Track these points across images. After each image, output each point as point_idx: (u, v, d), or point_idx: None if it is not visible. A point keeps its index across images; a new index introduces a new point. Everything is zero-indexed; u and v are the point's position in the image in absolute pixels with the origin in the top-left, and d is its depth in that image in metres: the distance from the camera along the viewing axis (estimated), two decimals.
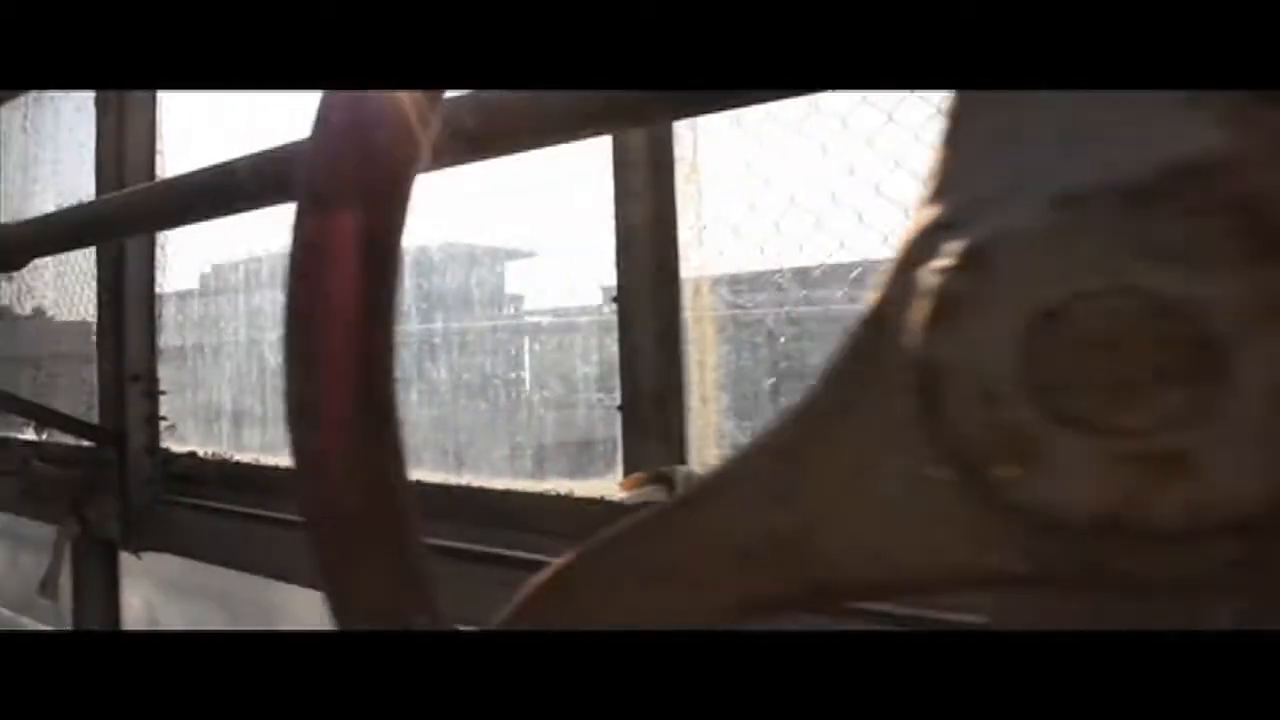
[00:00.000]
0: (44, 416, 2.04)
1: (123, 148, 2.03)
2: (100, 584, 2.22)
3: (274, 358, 1.90)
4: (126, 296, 1.99)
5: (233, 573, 2.11)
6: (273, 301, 1.90)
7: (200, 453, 2.02)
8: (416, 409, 1.64)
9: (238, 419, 1.96)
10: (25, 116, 2.41)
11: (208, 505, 1.93)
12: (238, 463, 1.94)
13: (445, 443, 1.61)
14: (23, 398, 2.09)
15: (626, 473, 1.44)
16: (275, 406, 1.88)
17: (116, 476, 2.02)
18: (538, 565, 0.35)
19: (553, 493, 1.51)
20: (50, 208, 2.34)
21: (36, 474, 2.26)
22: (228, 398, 1.97)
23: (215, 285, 2.01)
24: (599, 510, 1.45)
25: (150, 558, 2.15)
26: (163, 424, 2.00)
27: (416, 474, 1.66)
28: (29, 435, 2.38)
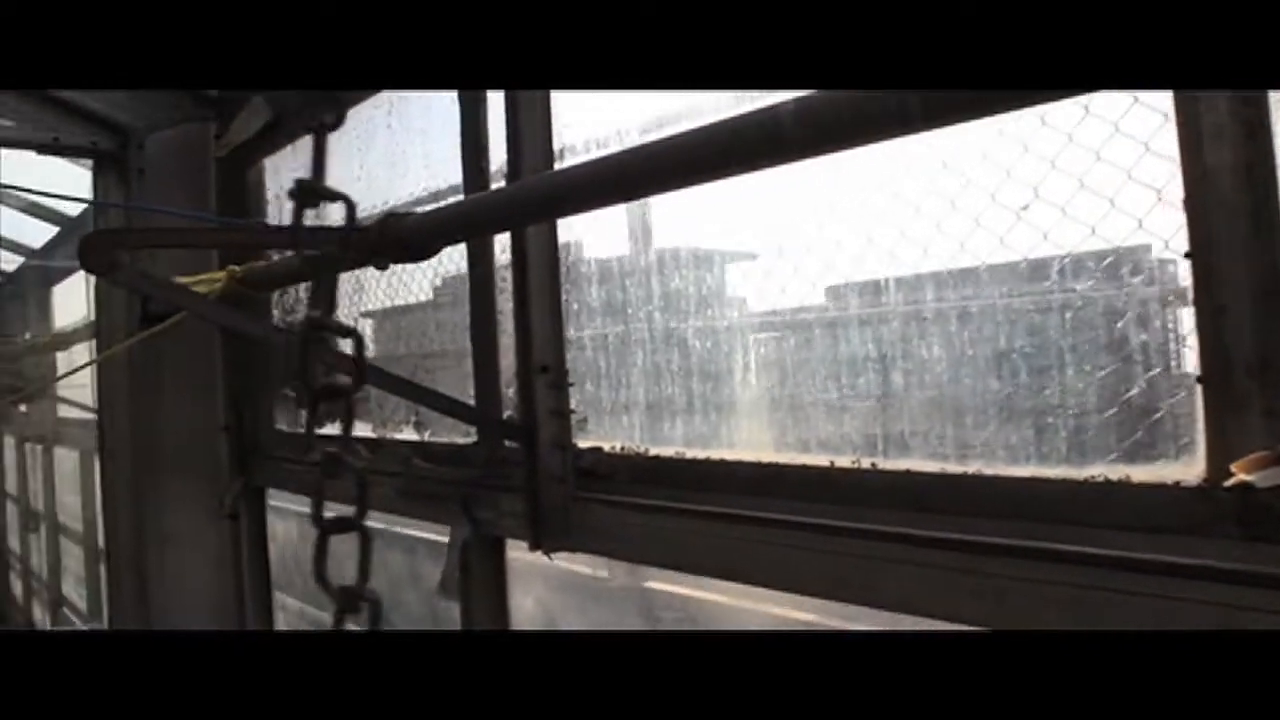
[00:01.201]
0: (458, 412, 2.00)
1: (517, 135, 1.96)
2: (489, 584, 2.18)
3: (700, 344, 1.78)
4: (530, 284, 1.92)
5: (648, 571, 2.03)
6: (695, 283, 1.78)
7: (606, 448, 1.93)
8: (903, 391, 1.49)
9: (652, 411, 1.86)
10: (389, 113, 2.39)
11: (626, 501, 1.83)
12: (655, 457, 1.84)
13: (941, 428, 1.45)
14: (440, 393, 2.06)
15: (1213, 454, 1.24)
16: (705, 396, 1.76)
17: (523, 474, 1.95)
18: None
19: (1100, 479, 1.33)
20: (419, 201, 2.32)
21: (419, 473, 2.24)
22: (640, 389, 1.87)
23: (619, 270, 1.92)
24: (1171, 498, 1.26)
25: (534, 556, 2.09)
26: (573, 417, 1.92)
27: (905, 464, 1.51)
28: (408, 435, 2.37)
